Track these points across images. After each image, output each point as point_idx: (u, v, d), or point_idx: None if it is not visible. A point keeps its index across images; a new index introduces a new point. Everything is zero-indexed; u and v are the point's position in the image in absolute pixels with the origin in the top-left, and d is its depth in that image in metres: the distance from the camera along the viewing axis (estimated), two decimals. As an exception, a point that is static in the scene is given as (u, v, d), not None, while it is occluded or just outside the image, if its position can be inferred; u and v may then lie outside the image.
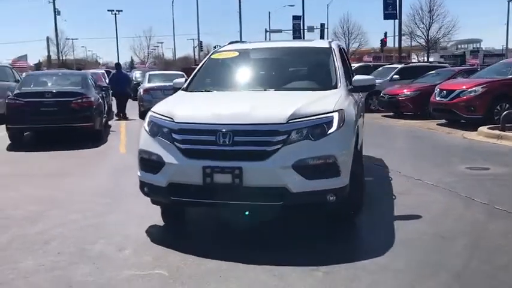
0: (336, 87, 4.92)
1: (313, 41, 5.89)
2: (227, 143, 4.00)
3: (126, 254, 3.99)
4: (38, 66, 43.48)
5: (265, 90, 4.98)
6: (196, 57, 62.19)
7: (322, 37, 50.91)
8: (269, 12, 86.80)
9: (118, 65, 17.33)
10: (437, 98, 12.45)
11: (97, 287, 3.41)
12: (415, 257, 3.88)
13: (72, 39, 71.19)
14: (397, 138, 10.06)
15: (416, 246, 4.11)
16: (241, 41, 6.13)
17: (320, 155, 4.02)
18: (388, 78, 17.08)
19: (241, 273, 3.58)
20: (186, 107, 4.52)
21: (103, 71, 25.95)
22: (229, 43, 6.22)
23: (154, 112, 4.51)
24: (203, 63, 5.76)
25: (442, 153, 8.75)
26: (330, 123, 4.12)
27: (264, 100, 4.64)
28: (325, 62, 5.32)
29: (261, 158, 3.95)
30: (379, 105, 16.21)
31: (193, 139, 4.12)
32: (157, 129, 4.32)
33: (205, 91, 5.18)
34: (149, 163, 4.29)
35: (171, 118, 4.27)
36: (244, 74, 5.48)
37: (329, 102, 4.35)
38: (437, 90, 12.61)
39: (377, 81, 16.84)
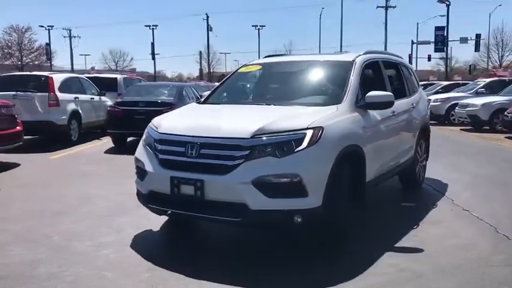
0: (339, 102, 4.65)
1: (342, 54, 5.59)
2: (193, 155, 4.05)
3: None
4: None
5: (267, 104, 4.89)
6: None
7: (476, 49, 47.00)
8: (417, 23, 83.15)
9: None
10: None
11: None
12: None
13: (225, 53, 78.49)
14: (490, 164, 8.91)
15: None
16: (278, 55, 6.07)
17: (283, 172, 3.85)
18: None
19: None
20: (173, 119, 4.66)
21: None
22: (265, 57, 6.24)
23: (151, 122, 4.74)
24: (229, 77, 5.86)
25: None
26: (299, 140, 3.92)
27: (248, 114, 4.57)
28: (341, 76, 5.04)
29: (222, 172, 3.91)
30: (502, 125, 14.61)
31: (168, 150, 4.24)
32: (147, 139, 4.55)
33: (214, 104, 5.27)
34: (139, 170, 4.53)
35: (157, 128, 4.47)
36: (256, 88, 5.46)
37: (308, 118, 4.12)
38: None
39: (505, 98, 15.65)
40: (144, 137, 4.66)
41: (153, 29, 59.01)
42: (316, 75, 5.40)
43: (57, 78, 11.68)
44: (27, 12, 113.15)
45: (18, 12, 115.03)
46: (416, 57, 57.87)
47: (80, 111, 12.18)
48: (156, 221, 4.93)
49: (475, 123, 16.18)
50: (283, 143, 3.91)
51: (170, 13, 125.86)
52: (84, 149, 11.11)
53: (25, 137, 11.23)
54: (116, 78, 16.55)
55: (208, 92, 5.77)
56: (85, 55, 79.53)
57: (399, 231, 4.80)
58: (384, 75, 5.72)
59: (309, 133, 3.96)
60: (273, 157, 3.87)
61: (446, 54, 48.15)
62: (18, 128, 8.93)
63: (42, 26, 60.68)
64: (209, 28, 62.40)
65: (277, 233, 4.71)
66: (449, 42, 45.04)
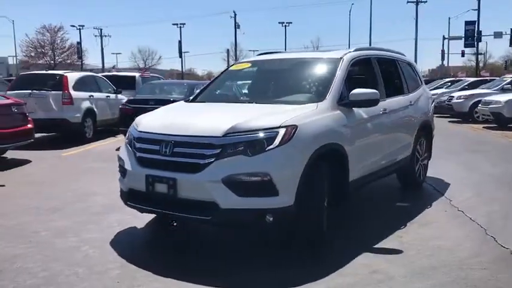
0: (321, 100, 4.58)
1: (333, 51, 5.49)
2: (167, 153, 4.07)
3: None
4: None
5: (250, 103, 4.87)
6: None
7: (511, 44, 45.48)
8: (449, 18, 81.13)
9: None
10: None
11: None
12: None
13: (253, 50, 78.63)
14: (506, 163, 8.61)
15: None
16: (271, 52, 6.02)
17: (253, 171, 3.83)
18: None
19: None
20: (153, 117, 4.69)
21: None
22: (258, 54, 6.21)
23: (135, 120, 4.79)
24: (219, 75, 5.86)
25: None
26: (271, 139, 3.89)
27: (226, 113, 4.55)
28: (326, 74, 4.97)
29: (194, 171, 3.92)
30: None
31: (145, 148, 4.28)
32: (128, 137, 4.61)
33: (201, 102, 5.28)
34: (120, 169, 4.59)
35: (137, 127, 4.51)
36: (242, 86, 5.43)
37: (283, 117, 4.08)
38: None
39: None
40: (127, 135, 4.72)
41: (180, 27, 59.64)
42: (303, 73, 5.33)
43: (72, 77, 11.93)
44: (60, 12, 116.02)
45: (50, 12, 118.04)
46: (448, 53, 56.63)
47: (95, 109, 12.41)
48: (145, 219, 4.99)
49: (499, 121, 15.69)
50: (255, 142, 3.88)
51: (198, 11, 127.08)
52: (97, 147, 11.32)
53: (40, 135, 11.61)
54: (134, 76, 16.78)
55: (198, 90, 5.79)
56: (116, 54, 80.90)
57: (385, 231, 4.71)
58: (376, 73, 5.60)
59: (281, 132, 3.92)
60: (244, 156, 3.85)
61: (477, 50, 46.81)
62: (29, 125, 9.17)
63: (74, 26, 62.05)
64: (237, 26, 62.60)
65: (256, 230, 4.69)
66: (483, 37, 43.79)
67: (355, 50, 5.47)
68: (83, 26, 62.27)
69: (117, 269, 3.86)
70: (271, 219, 3.86)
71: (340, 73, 4.88)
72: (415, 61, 45.77)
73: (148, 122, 4.51)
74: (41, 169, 8.53)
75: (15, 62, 68.95)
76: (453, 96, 19.13)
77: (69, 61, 64.31)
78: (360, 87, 4.84)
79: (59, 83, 11.57)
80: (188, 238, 4.82)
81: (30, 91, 11.32)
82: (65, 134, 11.97)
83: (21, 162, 9.03)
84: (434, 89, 23.62)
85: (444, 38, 54.04)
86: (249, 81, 5.60)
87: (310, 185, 4.02)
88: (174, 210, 4.07)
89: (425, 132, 6.73)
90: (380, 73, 5.66)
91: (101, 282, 3.62)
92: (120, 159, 4.58)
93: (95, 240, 4.54)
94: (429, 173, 7.10)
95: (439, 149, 9.60)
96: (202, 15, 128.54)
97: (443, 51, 54.29)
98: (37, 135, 11.86)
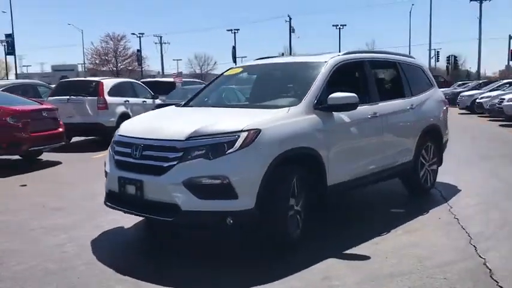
0: (296, 104, 4.59)
1: (322, 55, 5.44)
2: (137, 156, 4.24)
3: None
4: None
5: (228, 107, 4.96)
6: (432, 66, 59.31)
7: None
8: (516, 17, 76.71)
9: None
10: None
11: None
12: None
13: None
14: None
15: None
16: (267, 57, 6.05)
17: (213, 174, 3.91)
18: None
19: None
20: (134, 121, 4.88)
21: None
22: (256, 59, 6.27)
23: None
24: (213, 80, 5.98)
25: None
26: (232, 142, 3.95)
27: (197, 117, 4.65)
28: (308, 78, 4.94)
29: (158, 173, 4.06)
30: None
31: (120, 151, 4.48)
32: (111, 141, 4.83)
33: (190, 107, 5.41)
34: (105, 172, 4.81)
35: (118, 130, 4.73)
36: (228, 91, 5.52)
37: (247, 120, 4.13)
38: None
39: None
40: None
41: (235, 33, 60.54)
42: (288, 77, 5.36)
43: (107, 83, 12.51)
44: (123, 22, 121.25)
45: (114, 21, 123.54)
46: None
47: (130, 114, 12.89)
48: (136, 220, 5.19)
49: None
50: (216, 145, 3.96)
51: (252, 17, 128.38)
52: (129, 150, 11.76)
53: (79, 138, 12.26)
54: (175, 82, 17.29)
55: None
56: (177, 60, 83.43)
57: (365, 237, 4.62)
58: (367, 76, 5.50)
59: (243, 135, 3.98)
60: (205, 159, 3.95)
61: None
62: (60, 129, 9.72)
63: (134, 34, 64.62)
64: (291, 29, 62.68)
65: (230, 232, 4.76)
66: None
67: (345, 54, 5.41)
68: (142, 34, 64.75)
69: (83, 265, 4.06)
70: (231, 221, 3.93)
71: (320, 77, 4.85)
72: (479, 62, 43.57)
73: (127, 126, 4.70)
74: (67, 170, 9.02)
75: (83, 70, 72.98)
76: (504, 99, 18.17)
77: (130, 68, 67.11)
78: (346, 91, 4.79)
79: (95, 89, 12.16)
80: (169, 241, 4.96)
81: (68, 97, 11.99)
82: (100, 138, 12.56)
83: (53, 163, 9.59)
84: (491, 91, 22.55)
85: (511, 38, 51.28)
86: (239, 86, 5.68)
87: (273, 189, 4.04)
88: (141, 211, 4.23)
89: (433, 136, 6.49)
90: (373, 76, 5.56)
91: (63, 277, 3.83)
92: (104, 163, 4.80)
93: (79, 239, 4.78)
94: (446, 179, 6.92)
95: (472, 154, 9.23)
96: (256, 20, 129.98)
97: (511, 51, 51.49)
98: (75, 138, 12.60)
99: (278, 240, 4.25)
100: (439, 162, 6.74)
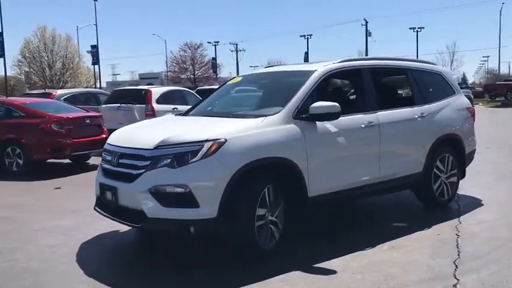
0: (274, 114, 4.55)
1: (318, 63, 5.30)
2: (114, 163, 4.44)
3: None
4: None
5: (214, 116, 5.01)
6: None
7: None
8: None
9: None
10: None
11: None
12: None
13: None
14: None
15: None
16: (272, 66, 6.05)
17: (175, 183, 4.00)
18: None
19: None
20: (123, 129, 5.06)
21: None
22: (265, 67, 6.29)
23: None
24: (217, 88, 6.07)
25: None
26: (195, 152, 4.02)
27: (176, 126, 4.75)
28: (295, 87, 4.86)
29: (129, 181, 4.21)
30: None
31: (105, 158, 4.70)
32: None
33: (185, 116, 5.53)
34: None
35: (108, 138, 4.96)
36: (219, 100, 5.57)
37: (214, 130, 4.18)
38: None
39: None
40: None
41: (307, 38, 60.40)
42: (278, 86, 5.31)
43: (156, 92, 13.02)
44: (202, 31, 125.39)
45: (194, 31, 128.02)
46: None
47: (178, 121, 13.35)
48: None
49: None
50: (180, 155, 4.05)
51: (325, 22, 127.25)
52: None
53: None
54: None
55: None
56: (253, 66, 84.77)
57: (347, 250, 4.47)
58: (365, 84, 5.31)
59: (207, 145, 4.03)
60: (170, 168, 4.04)
61: None
62: (103, 135, 10.27)
63: (210, 42, 66.53)
64: (368, 33, 61.37)
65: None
66: None
67: (341, 62, 5.27)
68: (218, 42, 66.47)
69: (64, 265, 4.32)
70: (193, 230, 3.99)
71: (305, 86, 4.77)
72: None
73: (115, 134, 4.92)
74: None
75: (166, 77, 76.40)
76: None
77: (206, 75, 69.14)
78: (338, 100, 4.70)
79: (144, 97, 12.72)
80: (153, 248, 5.08)
81: (119, 104, 12.65)
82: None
83: (94, 167, 10.16)
84: None
85: None
86: (240, 94, 5.73)
87: (238, 199, 4.05)
88: (116, 216, 4.41)
89: (452, 146, 6.11)
90: (373, 84, 5.35)
91: (37, 276, 4.09)
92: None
93: (74, 240, 5.06)
94: (474, 192, 6.58)
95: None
96: (330, 25, 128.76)
97: None
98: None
99: (245, 250, 4.23)
100: (461, 174, 6.32)
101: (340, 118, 4.76)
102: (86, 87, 49.84)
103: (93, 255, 4.67)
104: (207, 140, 4.05)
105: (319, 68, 5.05)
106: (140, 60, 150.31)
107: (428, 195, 5.94)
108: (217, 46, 66.51)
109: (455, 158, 6.14)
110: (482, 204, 6.19)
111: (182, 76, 69.19)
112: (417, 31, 57.31)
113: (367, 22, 59.76)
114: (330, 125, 4.73)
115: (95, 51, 51.02)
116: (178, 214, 4.02)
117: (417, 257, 4.35)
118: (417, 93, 5.88)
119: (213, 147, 4.02)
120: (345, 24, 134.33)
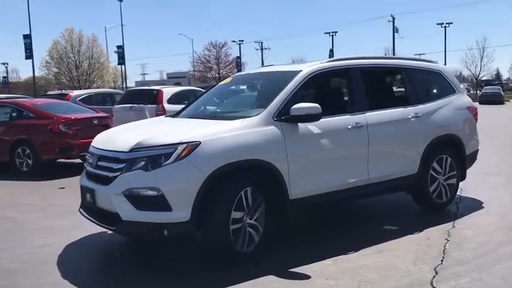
0: (254, 115, 4.49)
1: (306, 64, 5.20)
2: (94, 166, 4.46)
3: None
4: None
5: (197, 118, 4.98)
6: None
7: None
8: None
9: None
10: None
11: None
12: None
13: (420, 54, 78.47)
14: None
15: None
16: (267, 66, 5.97)
17: (148, 186, 3.99)
18: None
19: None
20: (107, 131, 5.08)
21: None
22: (260, 67, 6.23)
23: None
24: (207, 90, 6.04)
25: None
26: (168, 154, 4.00)
27: (158, 128, 4.74)
28: (277, 88, 4.78)
29: (106, 183, 4.22)
30: None
31: (88, 161, 4.73)
32: (88, 150, 5.11)
33: (174, 117, 5.52)
34: None
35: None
36: (206, 101, 5.53)
37: (188, 133, 4.16)
38: None
39: None
40: None
41: (332, 35, 59.81)
42: (264, 87, 5.24)
43: (167, 92, 13.05)
44: (228, 30, 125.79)
45: (220, 30, 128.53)
46: None
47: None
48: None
49: None
50: (154, 157, 4.04)
51: (350, 19, 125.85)
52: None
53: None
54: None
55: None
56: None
57: (328, 254, 4.39)
58: (353, 84, 5.18)
59: (180, 148, 4.00)
60: (144, 170, 4.03)
61: None
62: (112, 136, 10.41)
63: (234, 41, 66.70)
64: (395, 29, 60.38)
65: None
66: None
67: (329, 61, 5.17)
68: (242, 41, 66.55)
69: (44, 266, 4.37)
70: (167, 233, 3.97)
71: (287, 88, 4.69)
72: None
73: (98, 137, 4.94)
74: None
75: (192, 77, 77.08)
76: None
77: (231, 73, 69.38)
78: (324, 101, 4.61)
79: (155, 97, 12.77)
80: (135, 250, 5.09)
81: (131, 105, 12.77)
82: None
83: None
84: None
85: None
86: (221, 96, 5.67)
87: (213, 202, 4.01)
88: (95, 218, 4.42)
89: (450, 147, 5.92)
90: (362, 84, 5.23)
91: (14, 277, 4.16)
92: None
93: (63, 241, 5.10)
94: (480, 196, 6.40)
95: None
96: (355, 22, 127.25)
97: None
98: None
99: (221, 253, 4.19)
100: (461, 176, 6.12)
101: (325, 119, 4.68)
102: (113, 87, 50.75)
103: (75, 257, 4.70)
104: (180, 143, 4.03)
105: (305, 68, 4.96)
106: (169, 59, 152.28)
107: (424, 197, 5.78)
108: (241, 45, 66.55)
109: (454, 160, 5.95)
110: (483, 207, 5.99)
111: (208, 75, 69.59)
112: (445, 26, 56.02)
113: (394, 18, 58.77)
114: (312, 127, 4.64)
115: (120, 52, 51.79)
116: (152, 217, 4.00)
117: (400, 262, 4.22)
118: (411, 93, 5.72)
119: (186, 150, 3.99)
120: (371, 20, 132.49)
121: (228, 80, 5.89)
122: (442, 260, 4.19)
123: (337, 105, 5.18)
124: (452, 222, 5.37)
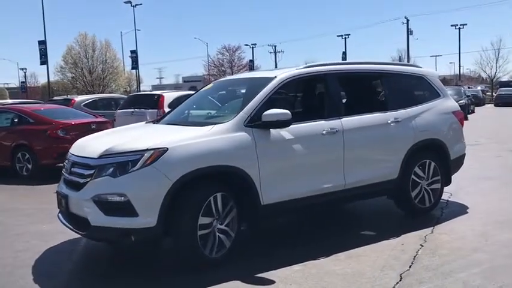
0: (224, 121, 4.54)
1: (282, 69, 5.23)
2: (68, 172, 4.55)
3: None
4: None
5: (172, 125, 5.04)
6: None
7: None
8: None
9: None
10: None
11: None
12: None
13: (436, 56, 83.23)
14: None
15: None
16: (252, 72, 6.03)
17: (114, 192, 4.06)
18: None
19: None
20: (85, 138, 5.16)
21: None
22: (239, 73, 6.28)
23: None
24: (192, 95, 6.10)
25: None
26: (135, 161, 4.07)
27: (129, 135, 4.82)
28: (250, 94, 4.84)
29: (77, 189, 4.31)
30: None
31: (65, 167, 4.82)
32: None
33: (154, 124, 5.58)
34: None
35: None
36: (187, 107, 5.60)
37: (156, 139, 4.23)
38: None
39: None
40: None
41: (345, 38, 59.58)
42: (239, 93, 5.30)
43: (169, 96, 13.17)
44: (241, 34, 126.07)
45: (234, 34, 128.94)
46: None
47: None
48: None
49: None
50: (121, 164, 4.11)
51: (363, 22, 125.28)
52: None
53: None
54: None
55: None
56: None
57: (298, 259, 4.41)
58: (329, 90, 5.19)
59: (147, 154, 4.07)
60: (112, 177, 4.11)
61: None
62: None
63: (247, 45, 66.92)
64: (409, 31, 59.87)
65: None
66: None
67: (305, 67, 5.19)
68: (255, 44, 66.75)
69: (19, 269, 4.48)
70: (134, 238, 4.04)
71: (260, 94, 4.73)
72: None
73: (76, 143, 5.03)
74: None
75: (206, 80, 77.53)
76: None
77: (244, 77, 69.47)
78: (298, 107, 4.65)
79: (156, 102, 12.90)
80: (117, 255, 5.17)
81: (132, 110, 12.92)
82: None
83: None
84: None
85: None
86: (198, 103, 5.74)
87: (180, 208, 4.06)
88: (69, 223, 4.51)
89: (433, 152, 5.89)
90: (338, 90, 5.24)
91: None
92: None
93: (44, 246, 5.21)
94: (467, 201, 6.35)
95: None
96: (368, 25, 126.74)
97: None
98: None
99: (189, 258, 4.23)
100: (446, 181, 6.08)
101: (298, 125, 4.72)
102: (129, 92, 51.22)
103: (51, 261, 4.79)
104: (147, 149, 4.09)
105: (279, 74, 4.99)
106: (185, 63, 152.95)
107: (406, 202, 5.76)
108: (254, 48, 66.72)
109: (438, 164, 5.91)
110: (467, 212, 5.94)
111: (221, 79, 69.85)
112: (459, 28, 55.43)
113: (408, 20, 58.31)
114: (285, 133, 4.66)
115: (134, 56, 52.25)
116: (119, 223, 4.07)
117: (368, 268, 4.22)
118: (391, 98, 5.70)
119: (153, 157, 4.05)
120: (385, 23, 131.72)
121: (209, 86, 5.95)
122: (410, 266, 4.18)
123: (312, 111, 5.19)
124: (432, 227, 5.34)
